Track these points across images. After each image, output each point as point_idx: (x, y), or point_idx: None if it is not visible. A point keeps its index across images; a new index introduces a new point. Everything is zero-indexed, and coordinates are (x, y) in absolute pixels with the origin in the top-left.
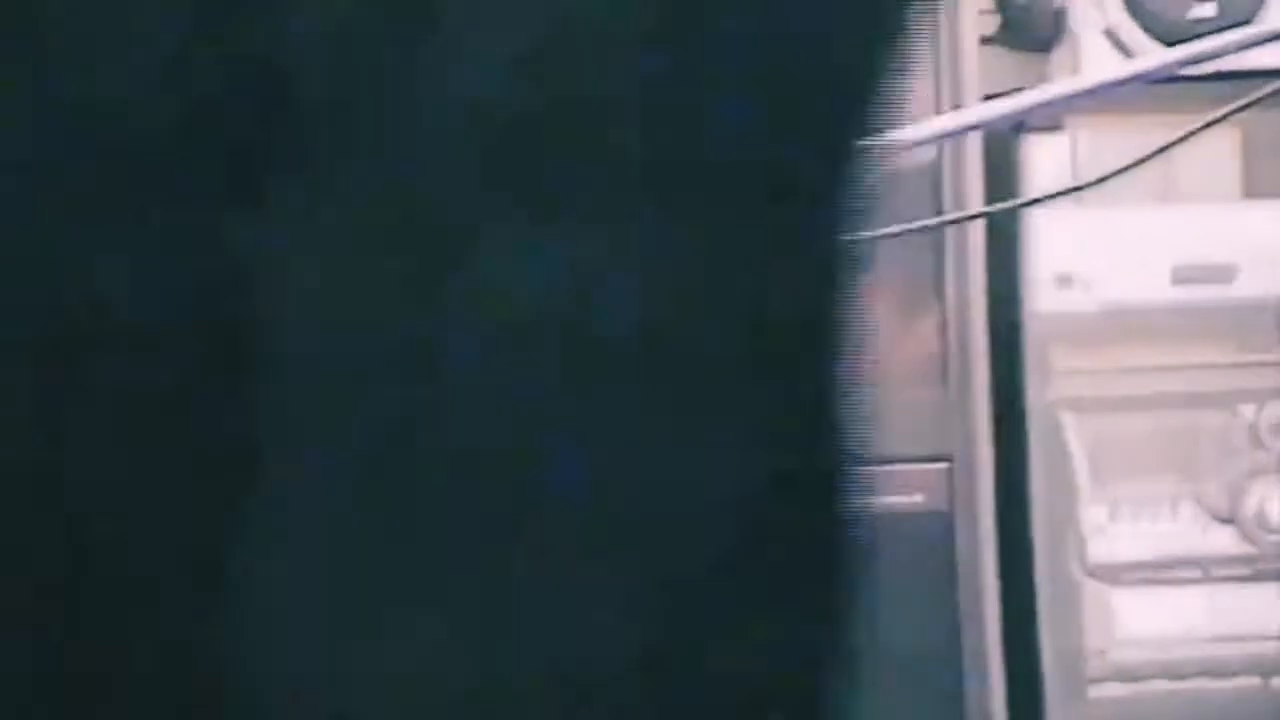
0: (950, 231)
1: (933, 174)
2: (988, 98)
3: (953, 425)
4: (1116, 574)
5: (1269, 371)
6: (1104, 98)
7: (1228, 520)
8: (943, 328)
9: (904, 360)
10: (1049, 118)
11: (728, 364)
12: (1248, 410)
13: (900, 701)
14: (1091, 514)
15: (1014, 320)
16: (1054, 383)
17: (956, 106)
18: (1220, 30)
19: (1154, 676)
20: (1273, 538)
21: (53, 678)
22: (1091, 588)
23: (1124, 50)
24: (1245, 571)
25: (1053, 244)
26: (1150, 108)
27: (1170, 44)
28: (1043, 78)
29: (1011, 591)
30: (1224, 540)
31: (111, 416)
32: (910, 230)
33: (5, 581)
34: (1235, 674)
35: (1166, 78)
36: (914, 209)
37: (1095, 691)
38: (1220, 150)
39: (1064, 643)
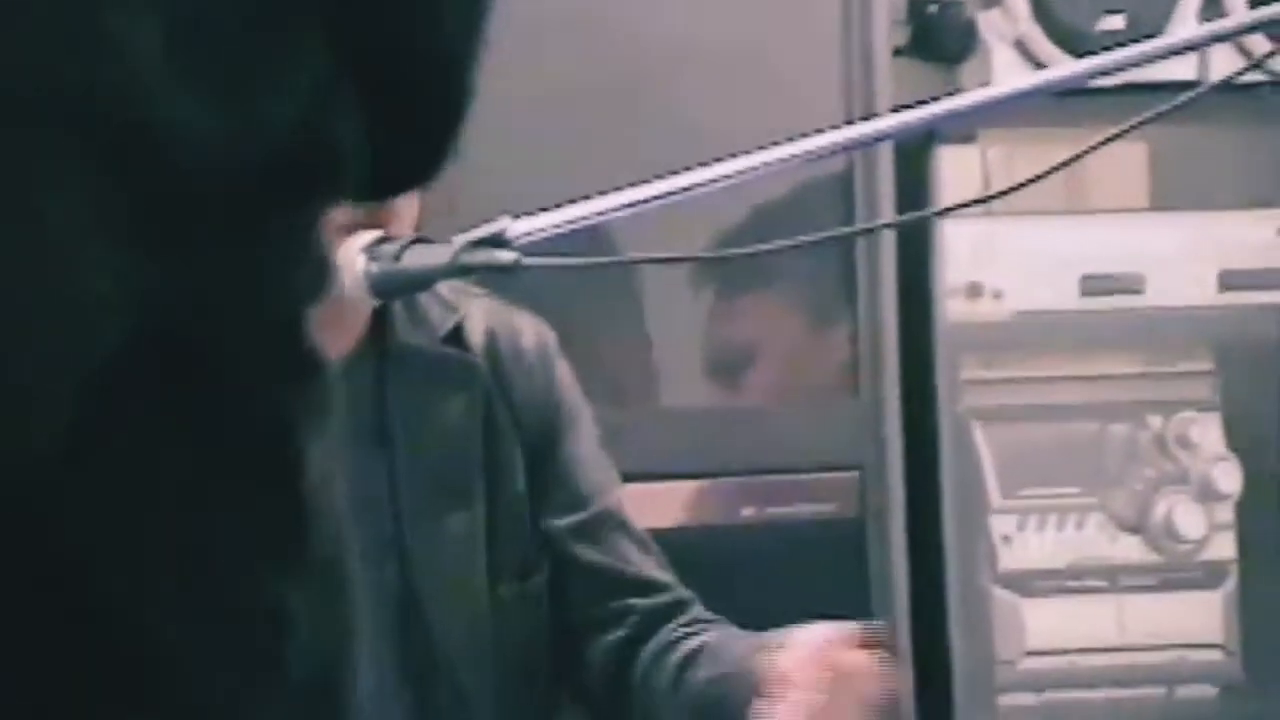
0: (861, 242)
1: (844, 184)
2: (899, 108)
3: (864, 434)
4: (1026, 583)
5: (1176, 382)
6: (1014, 108)
7: (1135, 530)
8: (854, 338)
9: (817, 370)
10: (960, 129)
11: None
12: (1155, 420)
13: None
14: (1001, 523)
15: (925, 330)
16: (964, 392)
17: (868, 117)
18: (1129, 43)
19: (1062, 686)
20: (1180, 547)
21: None
22: (1001, 597)
23: (1034, 62)
24: (1152, 581)
25: (963, 254)
26: (1059, 119)
27: (1079, 56)
28: (953, 89)
29: (922, 600)
30: (1132, 550)
31: None
32: (822, 240)
33: None
34: (1142, 683)
35: (1076, 89)
36: (826, 219)
37: (1004, 700)
38: (1128, 162)
39: (974, 651)
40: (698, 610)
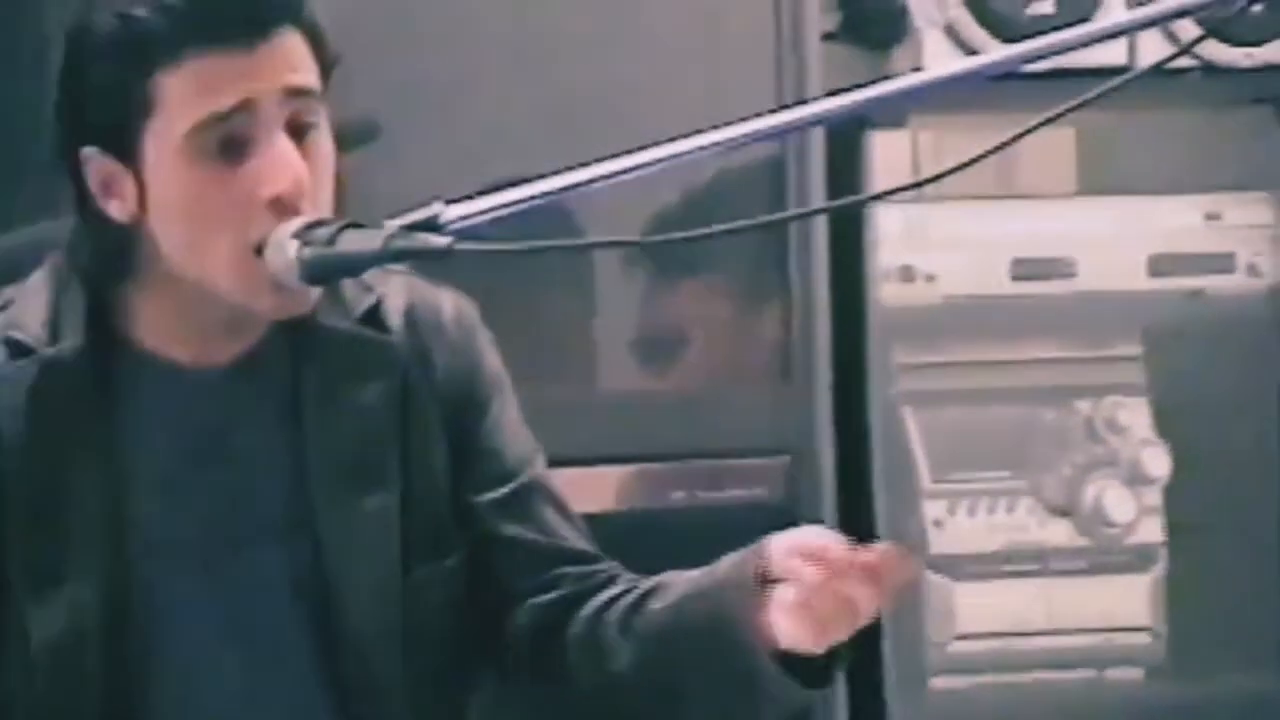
0: (793, 227)
1: (776, 169)
2: (830, 94)
3: (795, 419)
4: (957, 567)
5: (1106, 366)
6: (944, 94)
7: (1065, 514)
8: (786, 322)
9: (747, 354)
10: (891, 114)
11: None
12: (1084, 405)
13: None
14: (932, 507)
15: (857, 314)
16: (895, 377)
17: (799, 102)
18: (1058, 28)
19: (993, 669)
20: (1109, 531)
21: None
22: (932, 580)
23: (964, 47)
24: (1082, 564)
25: (895, 239)
26: (989, 105)
27: (1009, 41)
28: (884, 74)
29: None
30: (1061, 534)
31: None
32: (753, 226)
33: None
34: (1073, 666)
35: (1005, 74)
36: (757, 204)
37: (935, 683)
38: (1058, 147)
39: (904, 635)
40: (631, 577)
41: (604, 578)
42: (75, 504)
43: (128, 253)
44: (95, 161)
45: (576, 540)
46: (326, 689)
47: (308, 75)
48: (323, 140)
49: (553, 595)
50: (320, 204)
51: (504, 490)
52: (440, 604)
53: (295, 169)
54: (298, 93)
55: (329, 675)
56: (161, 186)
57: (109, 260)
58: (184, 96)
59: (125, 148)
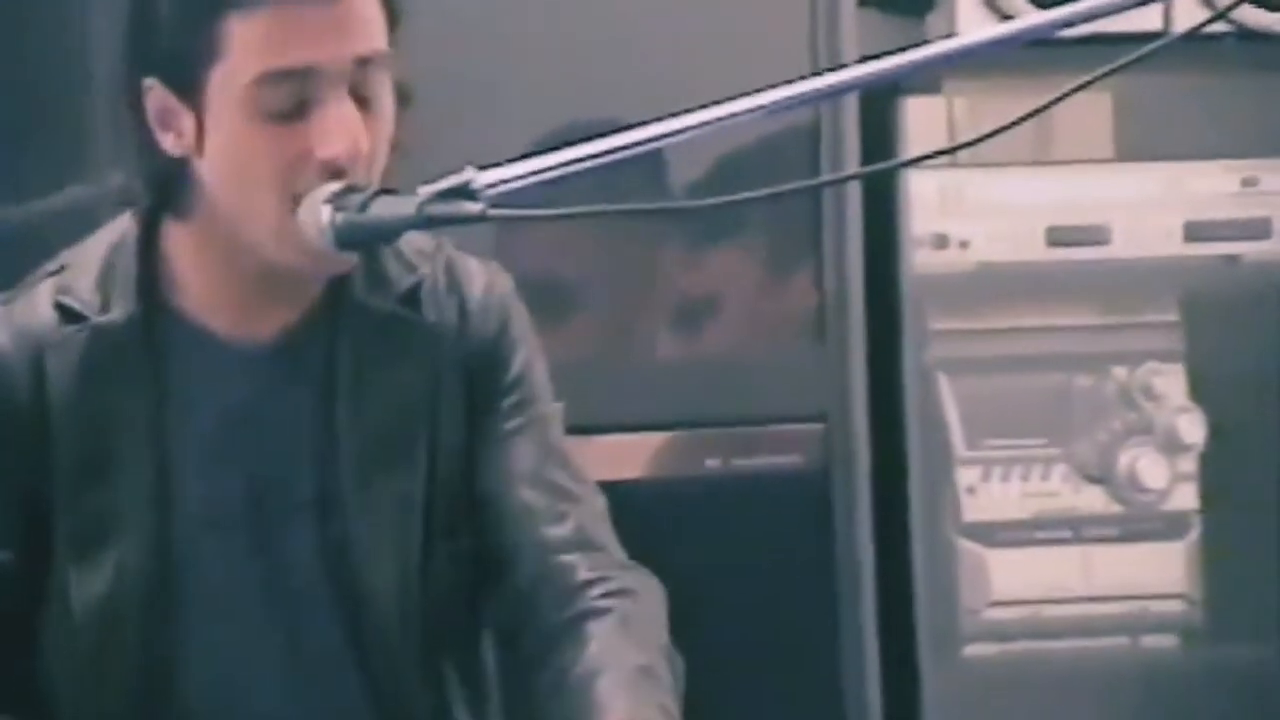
0: (827, 193)
1: (810, 136)
2: (864, 59)
3: (830, 386)
4: (990, 534)
5: (1141, 333)
6: (979, 60)
7: (1099, 480)
8: (820, 289)
9: (781, 321)
10: (925, 80)
11: None
12: (1120, 372)
13: (776, 658)
14: (966, 474)
15: (891, 281)
16: (930, 343)
17: (833, 68)
18: None
19: (1026, 635)
20: (1143, 498)
21: None
22: (966, 547)
23: (999, 13)
24: (1116, 531)
25: (929, 205)
26: (1025, 70)
27: (1044, 6)
28: (919, 39)
29: (886, 551)
30: (1096, 500)
31: None
32: (787, 191)
33: None
34: (1105, 633)
35: (1041, 40)
36: (792, 171)
37: (969, 650)
38: (1094, 112)
39: (938, 602)
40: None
41: (583, 591)
42: (121, 470)
43: (178, 188)
44: (156, 92)
45: (558, 525)
46: (351, 654)
47: (378, 39)
48: (384, 106)
49: (515, 598)
50: (375, 169)
51: (510, 425)
52: (454, 577)
53: (354, 134)
54: (367, 61)
55: (353, 640)
56: (218, 130)
57: (161, 193)
58: (253, 46)
59: (188, 85)
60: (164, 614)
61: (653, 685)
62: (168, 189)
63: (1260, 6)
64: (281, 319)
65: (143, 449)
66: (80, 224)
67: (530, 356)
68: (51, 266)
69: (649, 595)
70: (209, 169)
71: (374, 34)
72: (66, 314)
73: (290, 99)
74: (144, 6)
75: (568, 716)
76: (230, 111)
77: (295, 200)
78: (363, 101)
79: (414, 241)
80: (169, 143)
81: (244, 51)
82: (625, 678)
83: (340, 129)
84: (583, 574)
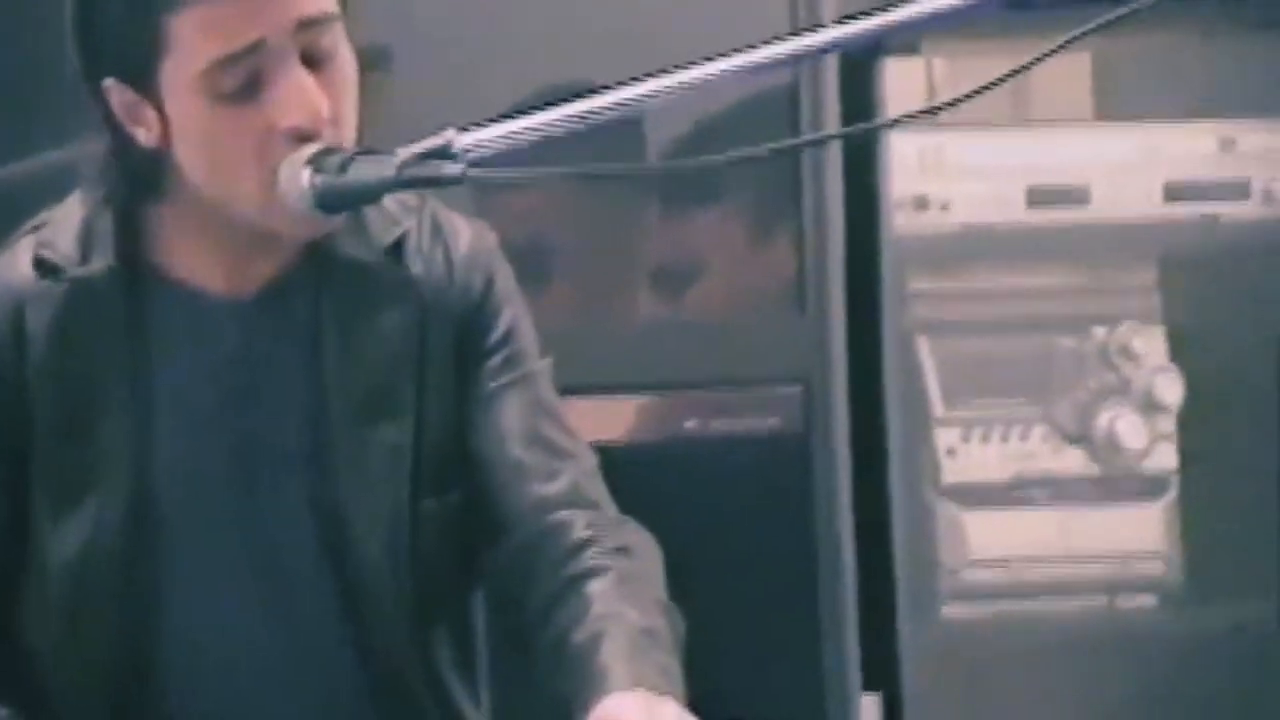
0: (807, 155)
1: (790, 97)
2: (844, 19)
3: (809, 348)
4: (969, 495)
5: (1120, 294)
6: (959, 20)
7: (1079, 441)
8: (800, 251)
9: (760, 284)
10: (905, 40)
11: None
12: (1100, 332)
13: (755, 620)
14: (945, 436)
15: (870, 243)
16: (909, 305)
17: (812, 27)
18: None
19: (1005, 596)
20: (1122, 458)
21: None
22: (944, 508)
23: None
24: (1095, 492)
25: (910, 167)
26: (1004, 31)
27: None
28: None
29: (866, 512)
30: (1075, 461)
31: None
32: (765, 153)
33: None
34: (1084, 593)
35: (1020, 1)
36: (771, 133)
37: (947, 610)
38: (1074, 73)
39: (917, 562)
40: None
41: (580, 550)
42: (100, 425)
43: (156, 175)
44: (117, 91)
45: (550, 482)
46: (339, 612)
47: (321, 2)
48: (342, 63)
49: (512, 558)
50: (344, 126)
51: (500, 382)
52: (443, 533)
53: (312, 101)
54: (311, 23)
55: (341, 598)
56: (181, 120)
57: (138, 182)
58: (194, 38)
59: (143, 82)
60: (143, 573)
61: (654, 646)
62: (144, 178)
63: None
64: (263, 273)
65: (122, 404)
66: (59, 187)
67: (518, 313)
68: (33, 223)
69: (646, 552)
70: (182, 155)
71: None
72: (45, 268)
73: (242, 78)
74: (85, 15)
75: (570, 681)
76: (188, 101)
77: (272, 171)
78: (316, 63)
79: (398, 196)
80: (140, 136)
81: (188, 43)
82: (627, 641)
83: (297, 98)
84: (580, 532)
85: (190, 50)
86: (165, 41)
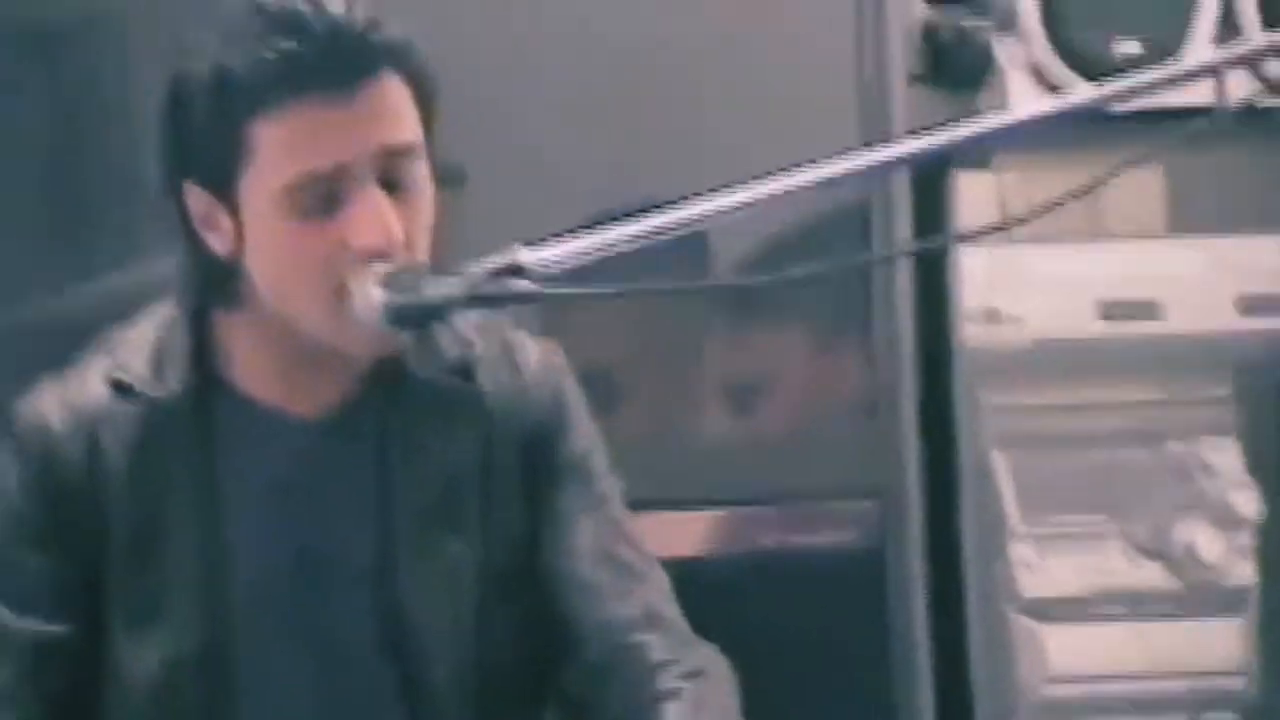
0: (878, 270)
1: (860, 213)
2: (916, 134)
3: (882, 462)
4: (1046, 610)
5: (1196, 408)
6: (1031, 134)
7: (1156, 556)
8: (871, 365)
9: (832, 397)
10: (977, 155)
11: None
12: (1176, 446)
13: None
14: (1021, 550)
15: (943, 356)
16: (983, 419)
17: (886, 143)
18: (1145, 67)
19: (1084, 713)
20: (1201, 573)
21: None
22: (1022, 624)
23: (1050, 87)
24: (1174, 607)
25: (981, 280)
26: (1076, 145)
27: (1095, 81)
28: (970, 115)
29: (942, 627)
30: (1153, 576)
31: None
32: (841, 267)
33: None
34: (1164, 710)
35: (1092, 115)
36: (842, 247)
37: None
38: (1146, 187)
39: (995, 678)
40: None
41: (655, 672)
42: (174, 544)
43: (228, 282)
44: (195, 195)
45: (623, 602)
46: None
47: (406, 130)
48: (420, 190)
49: (585, 678)
50: (416, 251)
51: (573, 502)
52: (511, 646)
53: (387, 224)
54: (395, 151)
55: (408, 708)
56: (256, 230)
57: (211, 288)
58: (278, 149)
59: (224, 188)
60: (218, 688)
61: None
62: (217, 286)
63: None
64: (332, 391)
65: (194, 523)
66: (122, 310)
67: (587, 430)
68: (103, 344)
69: (720, 675)
70: (253, 266)
71: (401, 125)
72: (119, 390)
73: (321, 197)
74: (177, 114)
75: None
76: (265, 213)
77: (341, 288)
78: (394, 188)
79: (467, 314)
80: (214, 242)
81: (272, 155)
82: None
83: (372, 221)
84: (656, 655)
85: (273, 164)
86: (249, 151)
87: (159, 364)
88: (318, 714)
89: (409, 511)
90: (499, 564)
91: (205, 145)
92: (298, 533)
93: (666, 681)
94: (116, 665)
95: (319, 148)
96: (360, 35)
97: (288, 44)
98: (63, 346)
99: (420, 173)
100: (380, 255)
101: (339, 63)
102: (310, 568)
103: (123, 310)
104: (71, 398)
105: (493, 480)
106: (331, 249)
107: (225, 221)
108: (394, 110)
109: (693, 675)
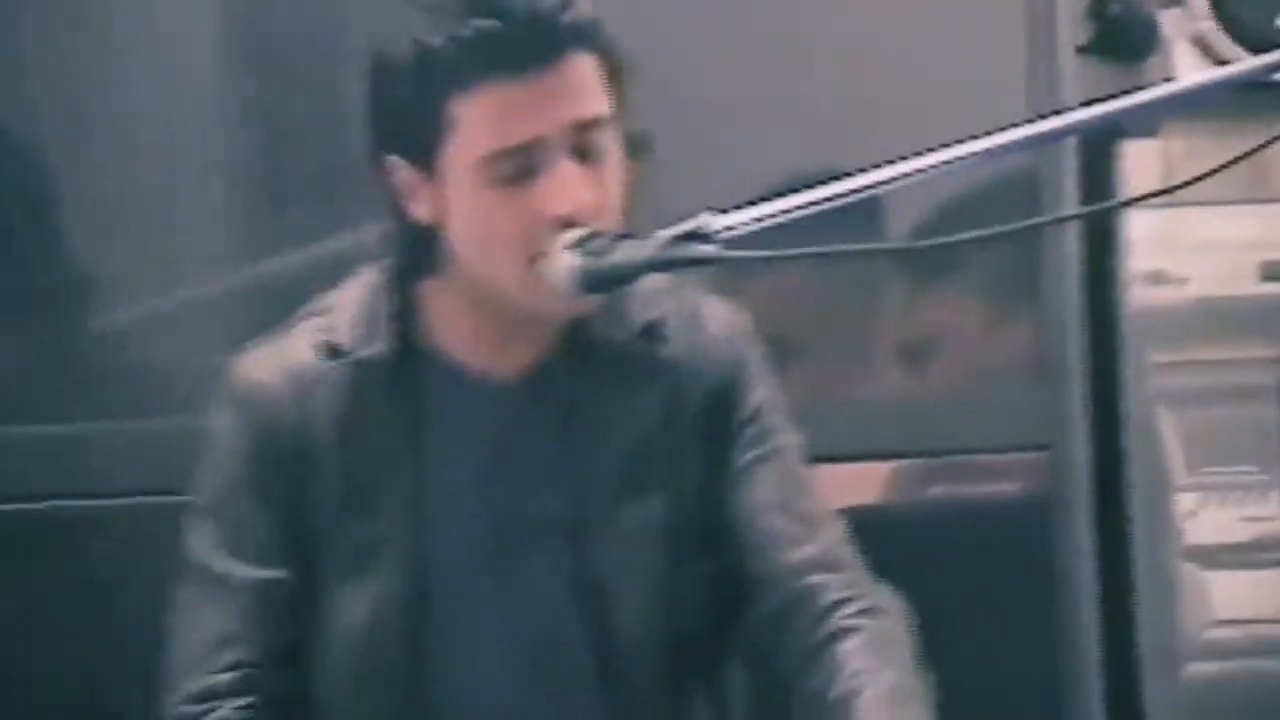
0: (1046, 233)
1: (1029, 179)
2: (1084, 104)
3: (1050, 417)
4: (1210, 557)
5: None
6: (1195, 103)
7: None
8: (1040, 327)
9: (1004, 357)
10: (1144, 124)
11: None
12: None
13: (999, 683)
14: (1185, 500)
15: (1111, 317)
16: (1148, 376)
17: (1054, 113)
18: None
19: (1246, 654)
20: None
21: None
22: (1186, 570)
23: (1214, 58)
24: None
25: (1147, 243)
26: (1238, 113)
27: (1258, 51)
28: (1137, 85)
29: (1108, 574)
30: None
31: None
32: (1008, 231)
33: None
34: None
35: (1254, 84)
36: (1011, 213)
37: (1190, 669)
38: None
39: (1159, 622)
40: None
41: (831, 612)
42: (382, 500)
43: (430, 249)
44: (399, 169)
45: (802, 547)
46: (596, 677)
47: (596, 104)
48: (610, 160)
49: (767, 621)
50: (607, 218)
51: (753, 455)
52: (699, 602)
53: (579, 193)
54: (586, 124)
55: (599, 665)
56: (456, 199)
57: (414, 255)
58: (478, 123)
59: (426, 160)
60: (419, 639)
61: (909, 701)
62: (419, 252)
63: None
64: (527, 354)
65: (400, 480)
66: (332, 274)
67: (769, 389)
68: (312, 309)
69: (896, 613)
70: (453, 233)
71: (590, 99)
72: (329, 351)
73: (517, 168)
74: (380, 91)
75: None
76: (465, 183)
77: (535, 254)
78: (585, 158)
79: (655, 278)
80: (417, 212)
81: (470, 129)
82: (882, 695)
83: (566, 189)
84: (833, 594)
85: (472, 137)
86: (450, 123)
87: (365, 326)
88: (510, 666)
89: (600, 471)
90: (686, 520)
91: (407, 120)
92: (495, 491)
93: (844, 619)
94: (327, 614)
95: (515, 122)
96: (553, 15)
97: (486, 24)
98: (273, 311)
99: (609, 144)
100: (572, 222)
101: (534, 42)
102: (507, 525)
103: (330, 276)
104: (284, 360)
105: (678, 439)
106: (527, 216)
107: (427, 191)
108: (584, 86)
109: (870, 612)
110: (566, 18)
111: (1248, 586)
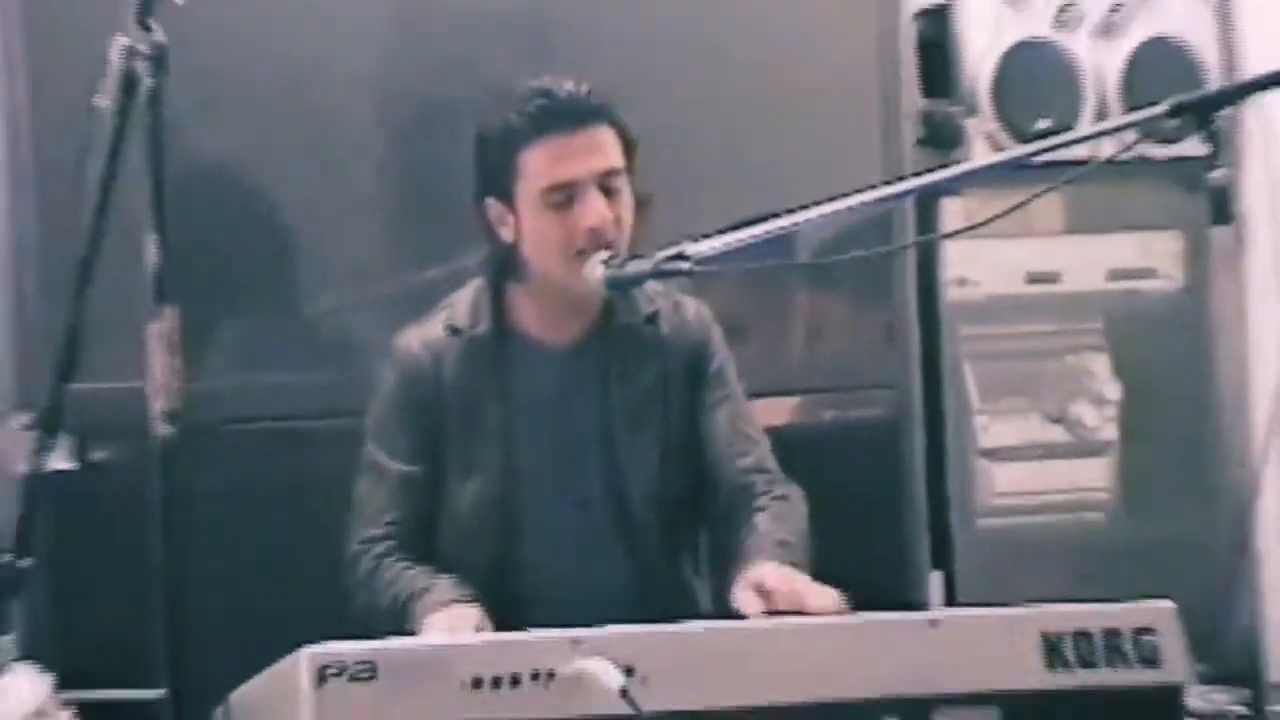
0: (898, 254)
1: (886, 220)
2: (916, 175)
3: (898, 368)
4: (995, 454)
5: (1078, 335)
6: (986, 175)
7: (1058, 420)
8: (891, 311)
9: (868, 330)
10: (954, 187)
11: None
12: (1071, 359)
13: (863, 543)
14: (980, 420)
15: (934, 305)
16: (958, 342)
17: (899, 179)
18: (1053, 134)
19: (1016, 514)
20: (1084, 432)
21: None
22: (980, 464)
23: (997, 147)
24: (1066, 451)
25: (956, 260)
26: (1013, 180)
27: (1025, 142)
28: (950, 163)
29: (932, 468)
30: (1056, 432)
31: None
32: (873, 254)
33: None
34: (1061, 511)
35: (1021, 164)
36: (875, 240)
37: (982, 524)
38: (1054, 201)
39: (964, 497)
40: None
41: (757, 497)
42: (483, 425)
43: (513, 261)
44: (492, 205)
45: (744, 458)
46: (623, 539)
47: (614, 159)
48: (624, 194)
49: (720, 504)
50: (624, 230)
51: (715, 397)
52: (683, 493)
53: (604, 212)
54: (609, 172)
55: (623, 531)
56: (525, 221)
57: (504, 267)
58: (539, 169)
59: (507, 197)
60: (509, 517)
61: (786, 552)
62: (506, 265)
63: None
64: (575, 330)
65: (495, 415)
66: (458, 281)
67: (725, 355)
68: (443, 303)
69: (796, 499)
70: (525, 246)
71: (610, 155)
72: (452, 330)
73: (564, 197)
74: (480, 154)
75: (741, 566)
76: (530, 210)
77: (577, 255)
78: (607, 192)
79: (652, 284)
80: (504, 234)
81: (534, 172)
82: (770, 544)
83: (594, 211)
84: (761, 487)
85: (535, 176)
86: (520, 169)
87: (475, 314)
88: (569, 536)
89: (621, 410)
90: (675, 440)
91: (496, 171)
92: (556, 421)
93: (764, 500)
94: (448, 500)
95: (562, 166)
96: (585, 99)
97: (543, 103)
98: (421, 306)
99: (623, 186)
100: (600, 230)
101: (572, 115)
102: (565, 444)
103: (458, 281)
104: (425, 335)
105: (670, 392)
106: (570, 229)
107: (510, 219)
108: (605, 146)
109: (779, 498)
110: (593, 101)
111: (1021, 473)
